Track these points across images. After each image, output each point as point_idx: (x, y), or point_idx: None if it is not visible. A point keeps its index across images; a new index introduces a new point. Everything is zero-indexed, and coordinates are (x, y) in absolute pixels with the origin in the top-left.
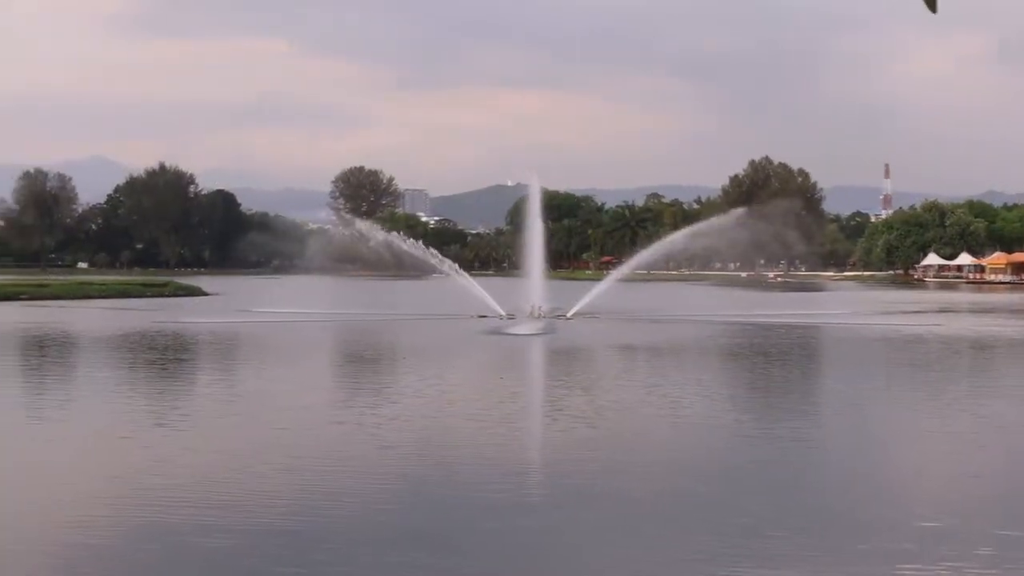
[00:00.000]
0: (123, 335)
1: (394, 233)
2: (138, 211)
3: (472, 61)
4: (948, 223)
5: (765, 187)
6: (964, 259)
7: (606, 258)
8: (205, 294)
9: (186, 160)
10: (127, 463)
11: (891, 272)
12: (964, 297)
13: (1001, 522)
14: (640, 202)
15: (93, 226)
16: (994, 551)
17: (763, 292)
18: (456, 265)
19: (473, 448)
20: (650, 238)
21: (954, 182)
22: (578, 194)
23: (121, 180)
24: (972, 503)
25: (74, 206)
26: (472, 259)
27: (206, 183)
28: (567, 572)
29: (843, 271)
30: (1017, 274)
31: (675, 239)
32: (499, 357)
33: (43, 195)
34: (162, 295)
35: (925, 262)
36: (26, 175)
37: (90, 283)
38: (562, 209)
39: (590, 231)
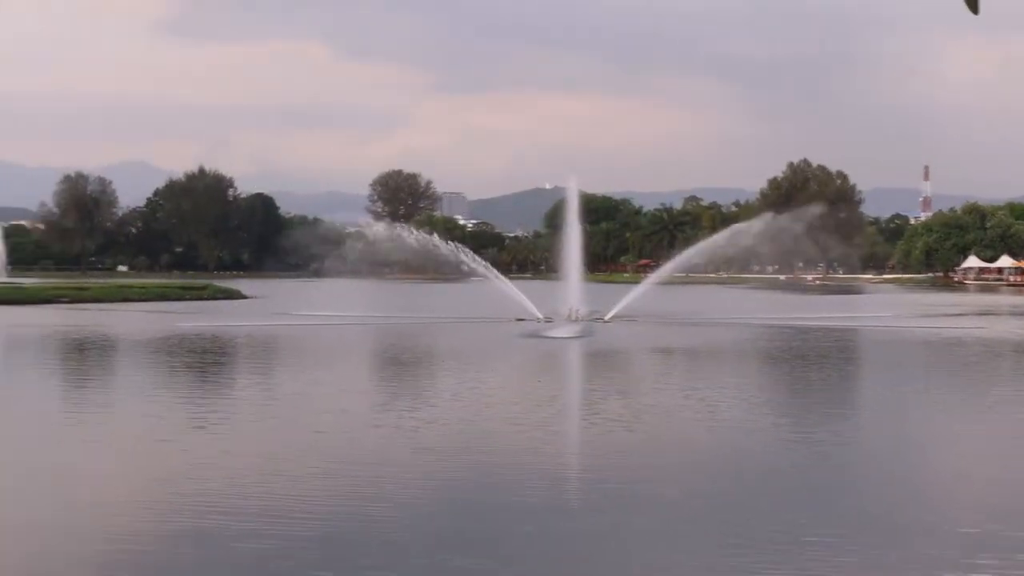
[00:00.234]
0: (162, 338)
1: (434, 235)
2: (177, 214)
3: (510, 64)
4: (989, 225)
5: (804, 189)
6: (1005, 262)
7: (644, 261)
8: (244, 297)
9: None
10: (165, 466)
11: (930, 275)
12: (1005, 300)
13: None
14: (678, 205)
15: (133, 229)
16: None
17: (802, 295)
18: (493, 268)
19: (511, 452)
20: (688, 241)
21: (995, 184)
22: (616, 197)
23: (161, 184)
24: (1013, 509)
25: (114, 209)
26: (509, 262)
27: (245, 187)
28: None
29: (882, 274)
30: None
31: (714, 241)
32: (537, 360)
33: (84, 198)
34: (201, 298)
35: (965, 265)
36: (67, 179)
37: (130, 286)
38: (600, 212)
39: (628, 234)
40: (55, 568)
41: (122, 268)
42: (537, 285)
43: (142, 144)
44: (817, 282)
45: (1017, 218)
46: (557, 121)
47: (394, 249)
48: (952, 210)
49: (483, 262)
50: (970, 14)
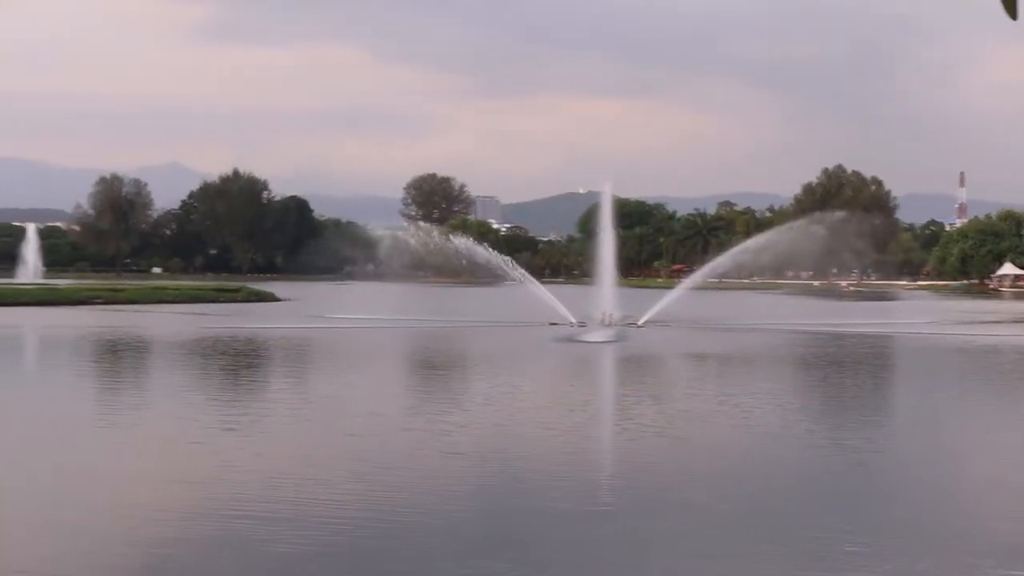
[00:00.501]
0: (195, 340)
1: (470, 239)
2: (212, 217)
3: (544, 68)
4: None
5: (838, 195)
6: None
7: (677, 266)
8: (277, 299)
9: (260, 166)
10: (196, 469)
11: (965, 282)
12: None
13: None
14: (712, 210)
15: (167, 231)
16: None
17: (836, 301)
18: (527, 272)
19: (543, 456)
20: (722, 246)
21: None
22: (649, 202)
23: (195, 186)
24: None
25: (149, 211)
26: (543, 267)
27: (279, 189)
28: None
29: (917, 280)
30: None
31: (747, 247)
32: (569, 365)
33: (119, 200)
34: (235, 300)
35: (1000, 272)
36: (102, 180)
37: (164, 288)
38: (633, 217)
39: (661, 239)
40: (86, 570)
41: (156, 270)
42: (570, 290)
43: (178, 146)
44: (851, 288)
45: None
46: (591, 125)
47: (429, 253)
48: (987, 217)
49: (516, 266)
50: (1008, 19)
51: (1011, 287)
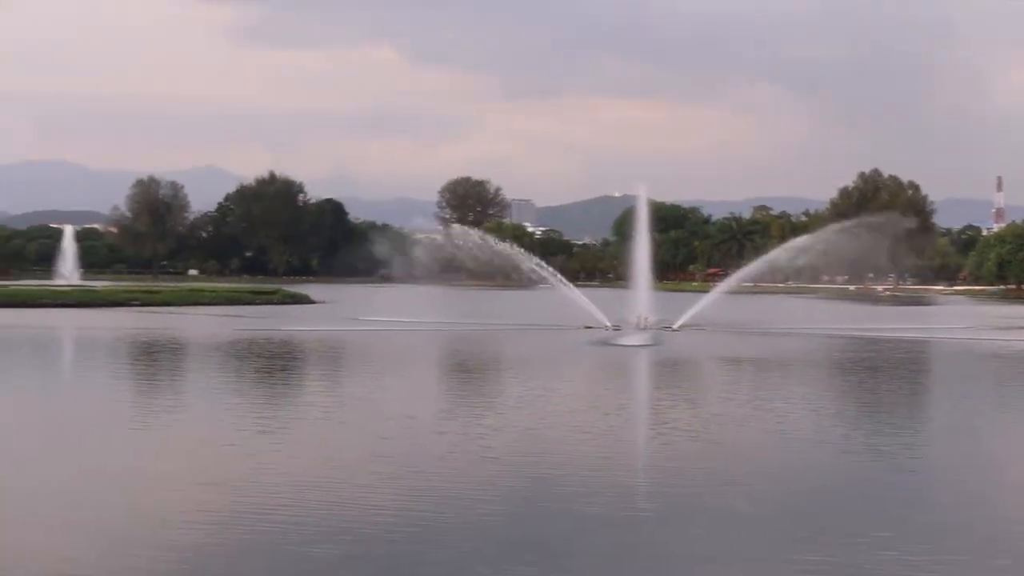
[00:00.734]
0: (231, 342)
1: (507, 243)
2: (248, 219)
3: (580, 71)
4: None
5: (874, 200)
6: None
7: (712, 270)
8: (313, 302)
9: (294, 168)
10: (231, 470)
11: (1002, 287)
12: None
13: None
14: (747, 214)
15: (204, 234)
16: None
17: (872, 305)
18: (561, 275)
19: (578, 460)
20: (757, 250)
21: None
22: (685, 205)
23: (231, 188)
24: None
25: (186, 214)
26: (578, 270)
27: (315, 192)
28: None
29: (953, 285)
30: None
31: (783, 250)
32: (604, 368)
33: (156, 203)
34: (271, 303)
35: None
36: (139, 183)
37: (200, 290)
38: (668, 220)
39: (696, 243)
40: (115, 571)
41: (193, 272)
42: (605, 293)
43: (215, 149)
44: (887, 293)
45: None
46: (627, 129)
47: (465, 256)
48: None
49: (551, 269)
50: None
51: None
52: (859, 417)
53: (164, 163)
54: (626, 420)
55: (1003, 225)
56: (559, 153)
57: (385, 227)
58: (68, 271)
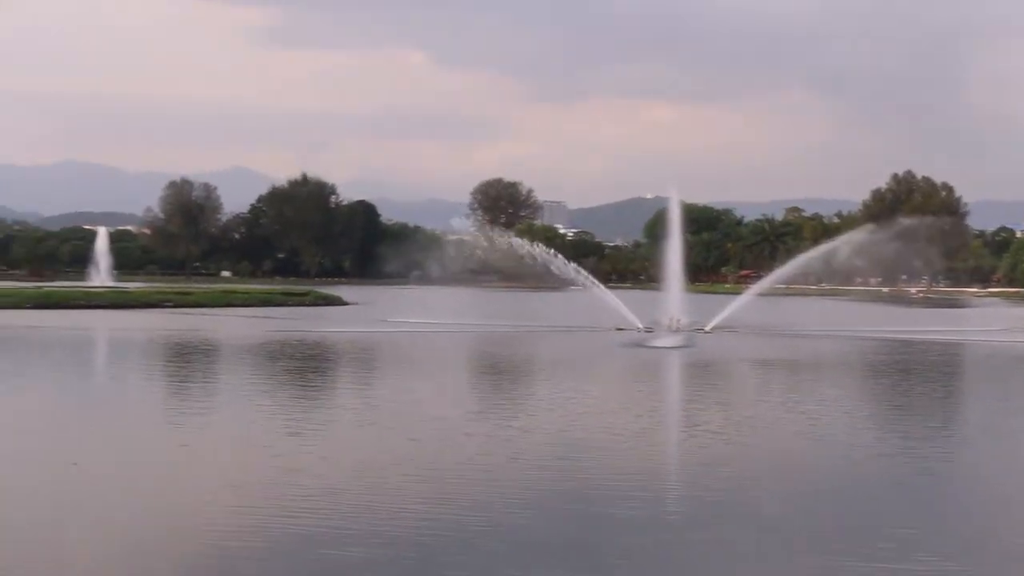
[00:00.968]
0: (263, 343)
1: (538, 245)
2: (280, 221)
3: (611, 73)
4: None
5: (908, 201)
6: None
7: (745, 272)
8: (345, 303)
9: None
10: (261, 472)
11: None
12: None
13: None
14: (780, 216)
15: (236, 235)
16: None
17: (905, 308)
18: (593, 277)
19: (609, 462)
20: (790, 252)
21: None
22: (717, 207)
23: (264, 190)
24: None
25: (218, 215)
26: (609, 271)
27: (346, 193)
28: None
29: (987, 287)
30: None
31: (816, 253)
32: (636, 370)
33: (189, 204)
34: (303, 304)
35: None
36: (172, 184)
37: (233, 291)
38: (700, 222)
39: (729, 244)
40: (149, 570)
41: (225, 273)
42: (637, 295)
43: (246, 150)
44: (920, 295)
45: None
46: (658, 130)
47: (499, 258)
48: None
49: (583, 271)
50: None
51: None
52: (892, 420)
53: (194, 164)
54: (658, 422)
55: None
56: (591, 155)
57: (417, 229)
58: (101, 272)
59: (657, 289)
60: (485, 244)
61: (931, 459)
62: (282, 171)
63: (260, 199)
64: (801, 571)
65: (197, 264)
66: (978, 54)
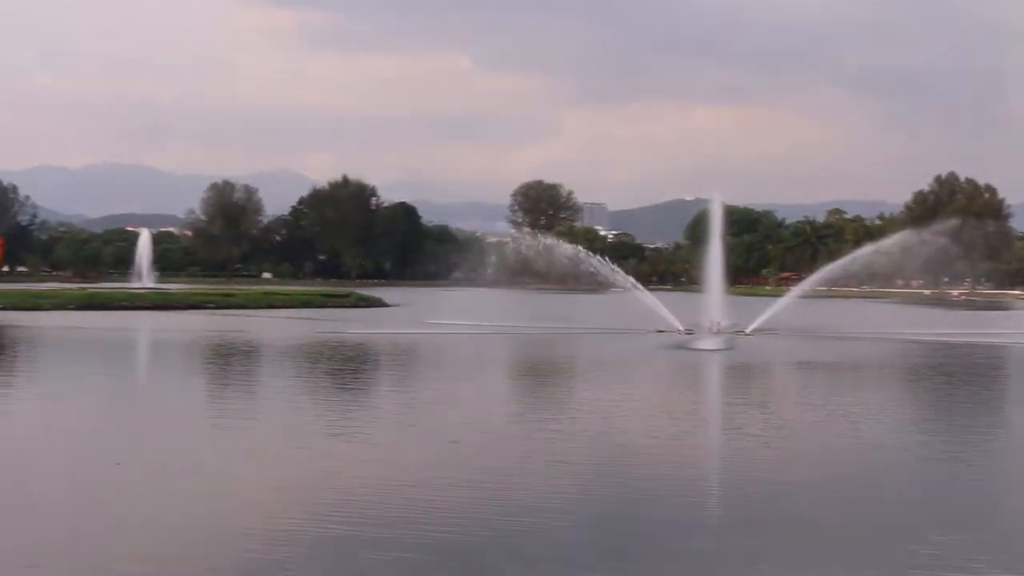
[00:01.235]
0: (304, 345)
1: (579, 248)
2: (321, 223)
3: (652, 75)
4: None
5: (950, 203)
6: None
7: (785, 274)
8: (385, 305)
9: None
10: (301, 474)
11: None
12: None
13: None
14: (820, 217)
15: (277, 237)
16: None
17: (947, 310)
18: (633, 279)
19: (649, 465)
20: (831, 254)
21: None
22: (758, 209)
23: (305, 192)
24: None
25: (260, 217)
26: (650, 273)
27: (386, 195)
28: None
29: None
30: None
31: (857, 256)
32: (676, 372)
33: (230, 206)
34: (343, 306)
35: None
36: (214, 186)
37: (274, 293)
38: (741, 224)
39: (770, 246)
40: (187, 571)
41: (267, 275)
42: (677, 297)
43: (288, 153)
44: (963, 297)
45: None
46: (698, 132)
47: (536, 260)
48: None
49: (623, 273)
50: None
51: None
52: (935, 423)
53: (237, 166)
54: (698, 425)
55: None
56: (631, 157)
57: (457, 231)
58: (144, 274)
59: (698, 291)
60: (525, 246)
61: (975, 464)
62: (326, 173)
63: (301, 201)
64: (844, 575)
65: (238, 266)
66: (1020, 54)
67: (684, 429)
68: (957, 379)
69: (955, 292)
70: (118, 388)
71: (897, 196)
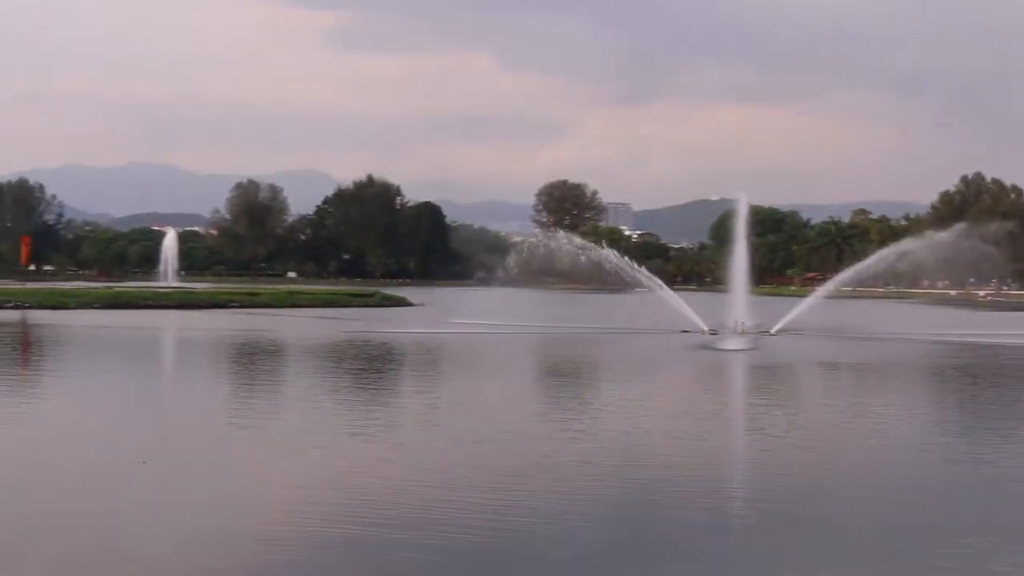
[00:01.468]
0: (329, 344)
1: (606, 248)
2: (346, 222)
3: (676, 74)
4: None
5: (977, 204)
6: None
7: (811, 275)
8: (410, 304)
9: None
10: (322, 473)
11: None
12: None
13: None
14: (846, 218)
15: (302, 236)
16: None
17: (973, 311)
18: (658, 280)
19: (672, 466)
20: (856, 255)
21: None
22: (782, 209)
23: (328, 191)
24: None
25: (285, 217)
26: (675, 273)
27: (410, 195)
28: None
29: None
30: None
31: (884, 256)
32: (701, 373)
33: (256, 206)
34: (368, 305)
35: None
36: (239, 186)
37: (299, 292)
38: (766, 224)
39: (795, 247)
40: (208, 569)
41: (291, 274)
42: (702, 297)
43: (314, 152)
44: (989, 298)
45: None
46: (723, 132)
47: (560, 259)
48: None
49: (648, 273)
50: None
51: None
52: (960, 424)
53: (262, 166)
54: (722, 425)
55: None
56: (656, 156)
57: (482, 230)
58: (169, 273)
59: (722, 291)
60: (550, 245)
61: (1001, 466)
62: (351, 172)
63: (326, 200)
64: None
65: (263, 265)
66: None
67: (708, 430)
68: (983, 380)
69: (981, 293)
70: (143, 386)
71: (923, 197)
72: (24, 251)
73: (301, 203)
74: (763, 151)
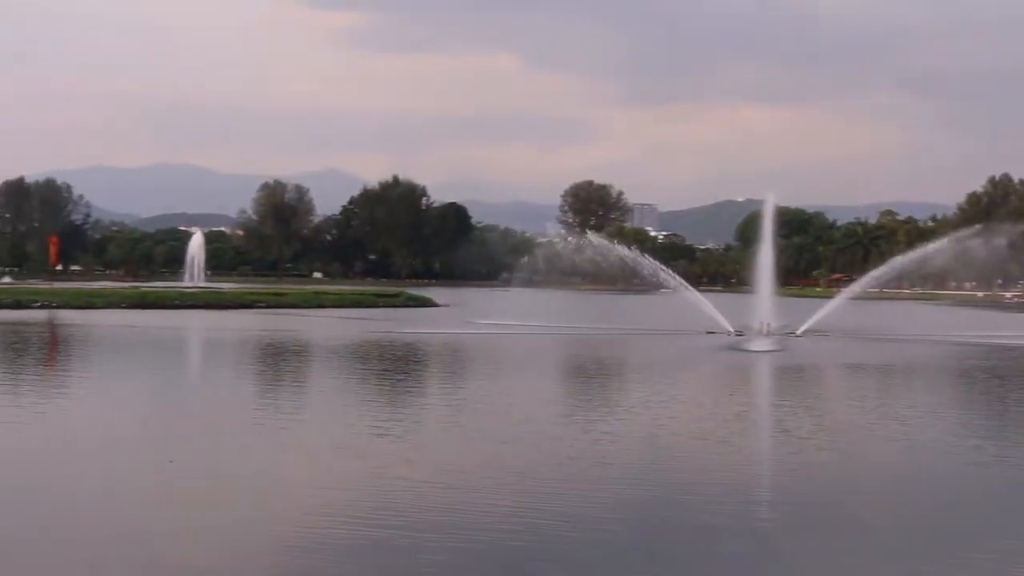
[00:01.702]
0: (354, 344)
1: (635, 249)
2: (372, 222)
3: (702, 75)
4: None
5: (1004, 205)
6: None
7: (837, 276)
8: (436, 305)
9: (415, 172)
10: (347, 474)
11: None
12: None
13: None
14: (872, 219)
15: (328, 236)
16: None
17: (1000, 312)
18: (684, 280)
19: (698, 468)
20: (883, 256)
21: None
22: (808, 210)
23: (355, 192)
24: None
25: (310, 217)
26: (700, 274)
27: (435, 195)
28: None
29: None
30: None
31: (911, 258)
32: (726, 374)
33: (281, 206)
34: (394, 305)
35: None
36: (265, 186)
37: (325, 292)
38: (792, 225)
39: (820, 248)
40: (233, 570)
41: (317, 275)
42: (727, 298)
43: (339, 153)
44: (1016, 300)
45: None
46: (749, 133)
47: (584, 260)
48: None
49: (673, 274)
50: None
51: None
52: (987, 427)
53: (287, 166)
54: (748, 427)
55: None
56: (682, 157)
57: (507, 231)
58: (195, 273)
59: (748, 292)
60: (575, 246)
61: None
62: (376, 173)
63: (352, 201)
64: None
65: (289, 265)
66: None
67: (733, 431)
68: (1010, 382)
69: (1008, 294)
70: (170, 386)
71: (950, 198)
72: (52, 251)
73: (325, 203)
74: (789, 152)
